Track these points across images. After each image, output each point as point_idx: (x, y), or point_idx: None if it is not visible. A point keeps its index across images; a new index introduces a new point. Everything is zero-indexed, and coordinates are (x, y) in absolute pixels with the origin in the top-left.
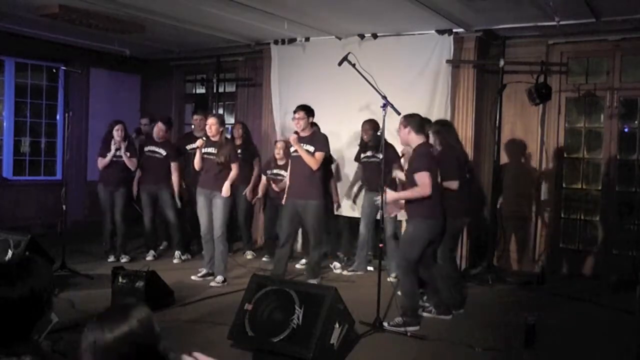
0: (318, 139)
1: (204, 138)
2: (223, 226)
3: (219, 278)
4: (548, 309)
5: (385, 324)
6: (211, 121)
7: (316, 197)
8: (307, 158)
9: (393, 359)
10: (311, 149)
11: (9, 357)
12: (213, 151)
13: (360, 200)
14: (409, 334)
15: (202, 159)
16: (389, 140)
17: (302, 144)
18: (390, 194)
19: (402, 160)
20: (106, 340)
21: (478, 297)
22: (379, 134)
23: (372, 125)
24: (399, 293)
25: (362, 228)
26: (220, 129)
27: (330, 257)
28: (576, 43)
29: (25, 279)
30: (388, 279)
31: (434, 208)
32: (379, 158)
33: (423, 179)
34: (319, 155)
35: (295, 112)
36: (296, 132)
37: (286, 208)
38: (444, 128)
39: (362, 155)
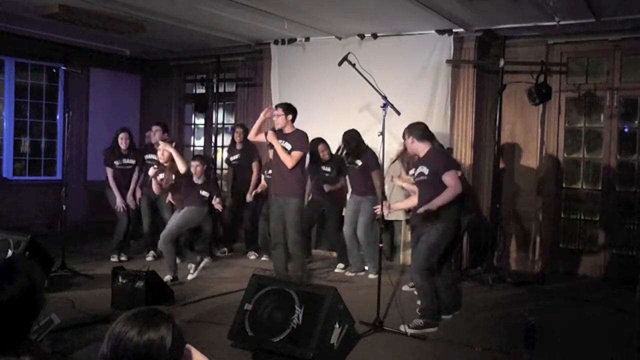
0: (297, 138)
1: (156, 166)
2: (169, 235)
3: (167, 277)
4: (548, 309)
5: (402, 328)
6: (161, 146)
7: (295, 194)
8: (282, 155)
9: (393, 359)
10: (288, 146)
11: (8, 357)
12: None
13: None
14: (409, 334)
15: (159, 185)
16: (388, 141)
17: (280, 140)
18: (431, 203)
19: (397, 163)
20: (133, 340)
21: (478, 297)
22: (374, 139)
23: (346, 137)
24: (416, 293)
25: (345, 228)
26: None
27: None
28: (576, 43)
29: (14, 279)
30: (370, 276)
31: (456, 211)
32: (357, 165)
33: (453, 178)
34: (296, 154)
35: (275, 108)
36: (273, 129)
37: (271, 208)
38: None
39: (346, 161)
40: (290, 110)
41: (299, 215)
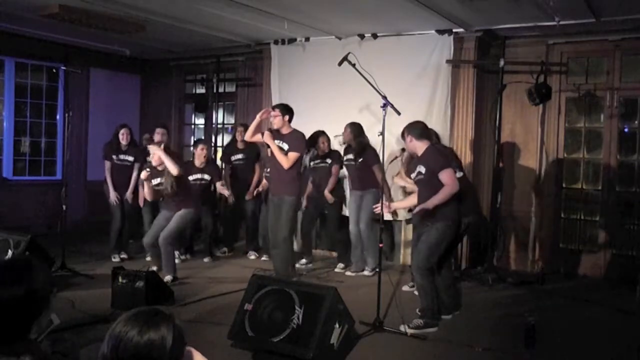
0: (295, 138)
1: (148, 170)
2: (170, 237)
3: (168, 277)
4: (548, 309)
5: (402, 328)
6: (153, 149)
7: (290, 193)
8: (279, 156)
9: (393, 359)
10: (285, 147)
11: (8, 357)
12: (161, 181)
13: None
14: (409, 334)
15: (154, 191)
16: (388, 140)
17: (278, 141)
18: (427, 203)
19: (397, 161)
20: (133, 340)
21: (478, 297)
22: (375, 139)
23: (352, 129)
24: (416, 293)
25: (352, 227)
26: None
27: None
28: (576, 43)
29: (21, 279)
30: (365, 272)
31: (456, 210)
32: (356, 162)
33: (449, 176)
34: (292, 155)
35: (272, 109)
36: (269, 129)
37: (269, 207)
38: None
39: (345, 158)
40: (287, 110)
41: (292, 212)
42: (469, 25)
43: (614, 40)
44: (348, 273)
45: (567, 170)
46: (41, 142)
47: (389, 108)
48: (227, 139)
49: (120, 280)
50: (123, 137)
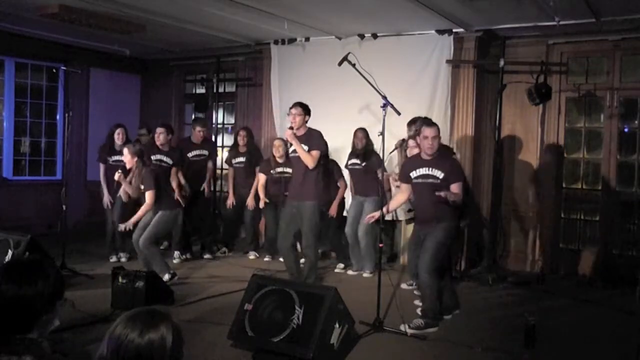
0: (314, 137)
1: (120, 171)
2: (147, 240)
3: (166, 277)
4: (548, 309)
5: (403, 327)
6: (124, 151)
7: (311, 197)
8: (304, 156)
9: (393, 359)
10: (305, 147)
11: (9, 356)
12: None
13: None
14: (409, 334)
15: (135, 189)
16: (387, 140)
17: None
18: (449, 194)
19: (395, 153)
20: (135, 342)
21: (478, 297)
22: (375, 139)
23: (365, 134)
24: (416, 292)
25: (347, 229)
26: (134, 159)
27: (330, 253)
28: (576, 43)
29: (30, 280)
30: (364, 275)
31: (459, 210)
32: (361, 165)
33: (460, 188)
34: (316, 153)
35: (292, 107)
36: (291, 128)
37: (284, 209)
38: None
39: (349, 162)
40: (307, 111)
41: (315, 218)
42: (469, 25)
43: (614, 40)
44: (349, 272)
45: (567, 170)
46: (41, 142)
47: (389, 108)
48: (227, 139)
49: (120, 280)
50: (119, 137)
